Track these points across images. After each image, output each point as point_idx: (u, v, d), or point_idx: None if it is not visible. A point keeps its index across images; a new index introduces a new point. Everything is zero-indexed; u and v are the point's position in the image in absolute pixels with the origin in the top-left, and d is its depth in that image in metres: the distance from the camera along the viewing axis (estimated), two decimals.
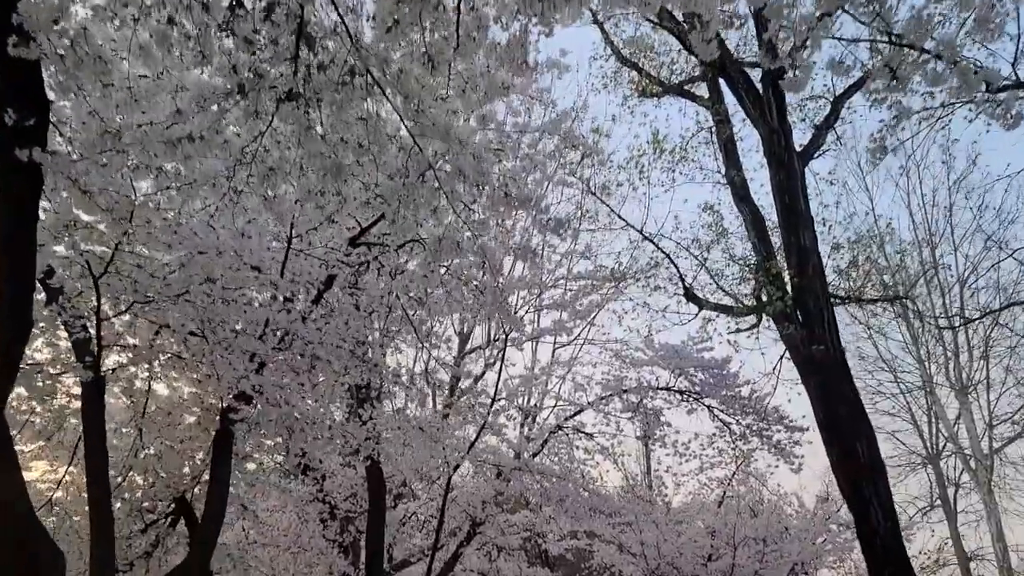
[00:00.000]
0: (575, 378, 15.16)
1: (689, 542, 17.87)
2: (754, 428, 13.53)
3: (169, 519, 8.39)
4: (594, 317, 12.67)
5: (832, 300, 9.09)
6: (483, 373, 12.08)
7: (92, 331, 5.55)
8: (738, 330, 10.36)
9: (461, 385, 13.18)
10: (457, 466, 12.00)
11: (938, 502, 24.09)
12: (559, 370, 12.75)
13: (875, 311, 16.31)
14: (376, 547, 9.73)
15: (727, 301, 10.12)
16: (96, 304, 5.34)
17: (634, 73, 10.47)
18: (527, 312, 10.51)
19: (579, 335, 17.12)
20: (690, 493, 19.37)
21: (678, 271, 9.65)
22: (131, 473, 7.69)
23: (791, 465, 13.15)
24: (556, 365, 12.82)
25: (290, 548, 10.49)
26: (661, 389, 13.56)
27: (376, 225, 6.77)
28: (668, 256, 9.74)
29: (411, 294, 6.82)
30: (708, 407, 13.69)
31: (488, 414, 11.37)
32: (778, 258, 9.44)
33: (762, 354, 13.37)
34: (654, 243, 9.62)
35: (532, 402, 14.71)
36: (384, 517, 10.07)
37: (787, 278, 9.19)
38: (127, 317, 5.86)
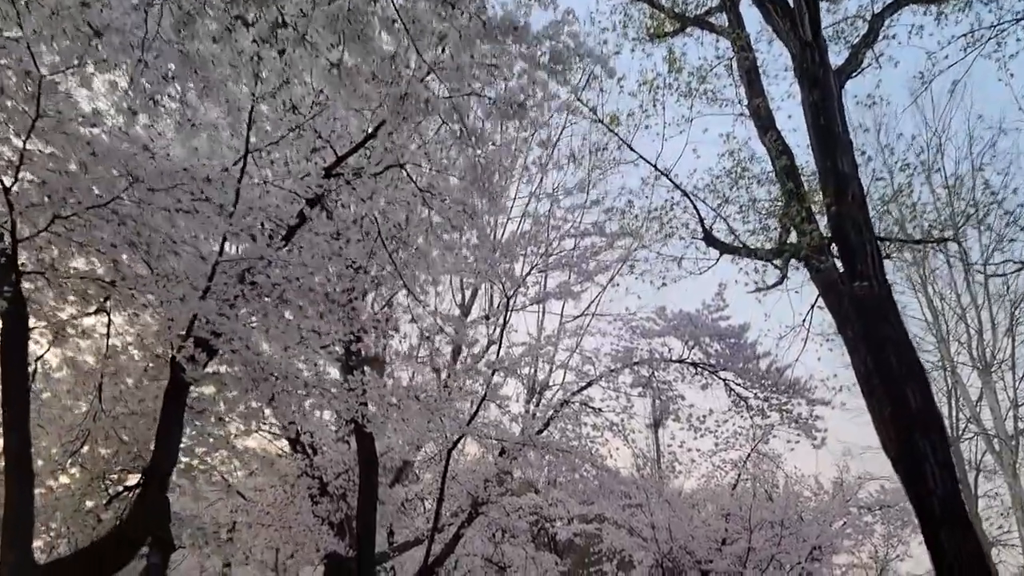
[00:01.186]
0: (582, 350, 14.31)
1: (702, 525, 16.97)
2: (773, 402, 12.59)
3: (138, 491, 7.56)
4: (611, 279, 11.66)
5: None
6: (488, 345, 11.18)
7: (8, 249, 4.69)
8: (758, 289, 9.41)
9: (463, 355, 12.30)
10: (457, 441, 11.14)
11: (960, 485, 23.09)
12: (566, 340, 11.85)
13: (912, 259, 14.85)
14: (367, 521, 8.88)
15: (751, 245, 9.10)
16: (10, 219, 4.49)
17: (644, 6, 9.50)
18: (530, 273, 9.61)
19: (587, 309, 16.25)
20: (703, 476, 18.42)
21: (696, 211, 8.69)
22: (89, 438, 6.87)
23: (813, 440, 12.20)
24: (563, 334, 11.93)
25: (272, 525, 9.64)
26: (674, 362, 12.64)
27: (354, 154, 5.91)
28: (685, 193, 8.77)
29: (390, 222, 5.95)
30: (724, 380, 12.76)
31: (489, 384, 10.48)
32: (809, 191, 8.43)
33: (791, 306, 11.95)
34: (669, 178, 8.67)
35: (537, 374, 13.84)
36: (376, 490, 9.22)
37: (819, 209, 8.19)
38: (50, 235, 4.98)
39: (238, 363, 5.83)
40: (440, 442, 11.48)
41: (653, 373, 12.74)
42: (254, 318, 5.75)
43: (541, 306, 14.07)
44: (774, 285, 9.10)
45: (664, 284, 10.03)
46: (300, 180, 5.71)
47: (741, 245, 8.92)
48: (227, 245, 5.88)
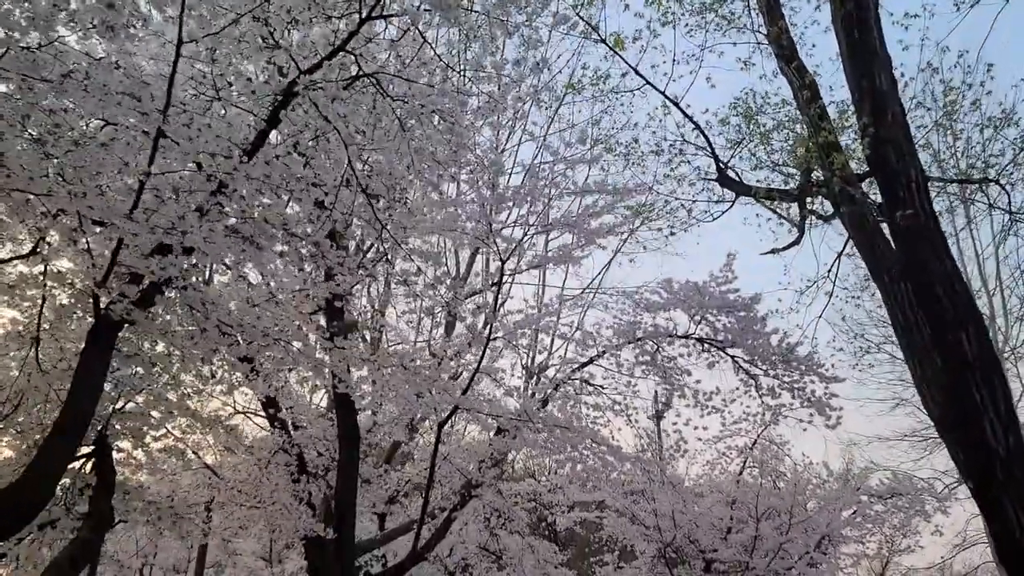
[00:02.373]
0: (582, 326, 13.42)
1: (707, 512, 16.10)
2: (784, 380, 11.70)
3: (87, 463, 6.71)
4: (619, 249, 10.72)
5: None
6: (484, 319, 10.19)
7: None
8: (774, 250, 8.51)
9: (460, 326, 11.41)
10: (449, 416, 10.26)
11: None
12: (566, 314, 10.94)
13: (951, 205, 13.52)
14: (347, 500, 8.03)
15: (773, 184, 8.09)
16: None
17: None
18: (527, 234, 8.72)
19: (591, 283, 15.33)
20: (708, 463, 17.55)
21: (710, 145, 7.73)
22: (24, 401, 6.00)
23: (827, 420, 11.32)
24: (564, 306, 11.02)
25: (246, 503, 8.76)
26: (679, 337, 11.74)
27: (319, 71, 5.04)
28: (697, 126, 7.80)
29: (357, 138, 5.06)
30: (732, 357, 11.87)
31: (483, 356, 9.60)
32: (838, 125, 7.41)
33: (818, 255, 10.70)
34: (680, 107, 7.70)
35: (537, 350, 12.94)
36: (357, 466, 8.36)
37: (851, 138, 7.24)
38: None
39: (183, 306, 4.96)
40: (432, 419, 10.59)
41: (658, 349, 11.88)
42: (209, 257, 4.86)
43: (541, 274, 13.18)
44: (791, 245, 8.19)
45: (673, 233, 9.11)
46: (254, 95, 4.84)
47: (758, 187, 7.95)
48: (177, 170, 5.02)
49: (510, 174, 9.05)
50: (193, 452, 8.27)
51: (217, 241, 4.52)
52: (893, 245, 6.77)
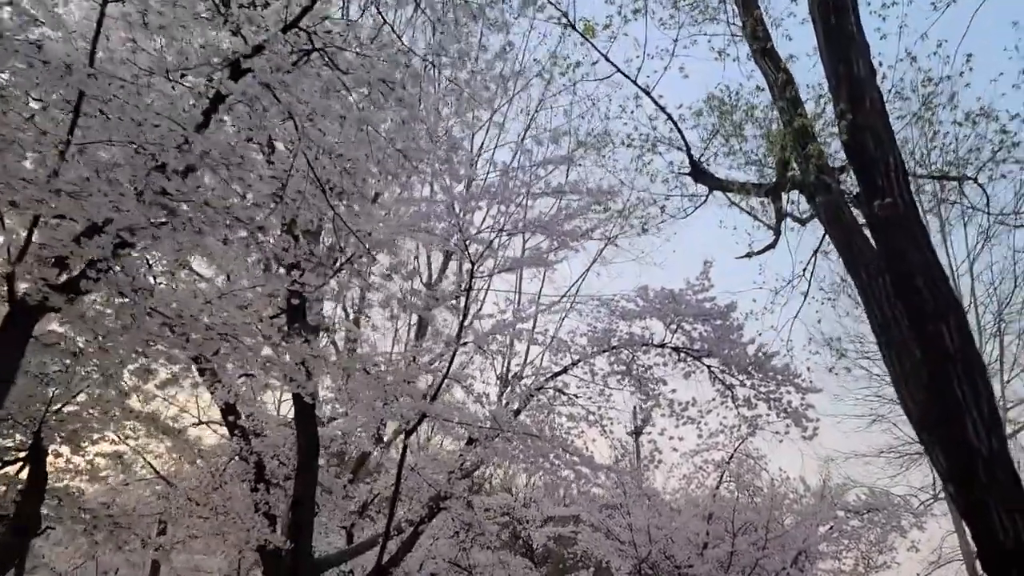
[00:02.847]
0: (556, 335, 13.11)
1: (683, 527, 15.76)
2: (761, 391, 11.43)
3: (20, 465, 6.26)
4: (596, 257, 10.43)
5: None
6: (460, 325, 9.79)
7: None
8: (749, 255, 8.25)
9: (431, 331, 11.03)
10: (416, 424, 9.85)
11: (942, 495, 21.94)
12: (542, 320, 10.59)
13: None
14: (305, 511, 7.62)
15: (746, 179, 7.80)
16: None
17: None
18: (499, 234, 8.40)
19: (568, 291, 15.01)
20: (684, 476, 17.24)
21: (683, 137, 7.47)
22: None
23: (803, 431, 11.06)
24: (539, 313, 10.68)
25: (196, 512, 8.30)
26: (655, 346, 11.46)
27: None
28: (670, 117, 7.54)
29: (305, 111, 4.72)
30: (708, 367, 11.59)
31: (451, 361, 9.24)
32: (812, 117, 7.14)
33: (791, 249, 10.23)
34: (651, 97, 7.42)
35: (511, 359, 12.59)
36: (316, 476, 7.96)
37: (826, 127, 6.98)
38: None
39: (113, 291, 4.57)
40: (402, 427, 10.20)
41: (633, 358, 11.58)
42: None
43: (517, 280, 12.85)
44: (767, 247, 7.94)
45: (645, 230, 8.81)
46: (198, 68, 4.50)
47: (731, 182, 7.68)
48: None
49: (485, 176, 8.73)
50: (143, 458, 7.83)
51: (153, 223, 4.17)
52: (871, 240, 6.54)
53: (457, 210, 8.02)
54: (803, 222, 7.79)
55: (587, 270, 14.12)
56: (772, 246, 7.89)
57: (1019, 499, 5.70)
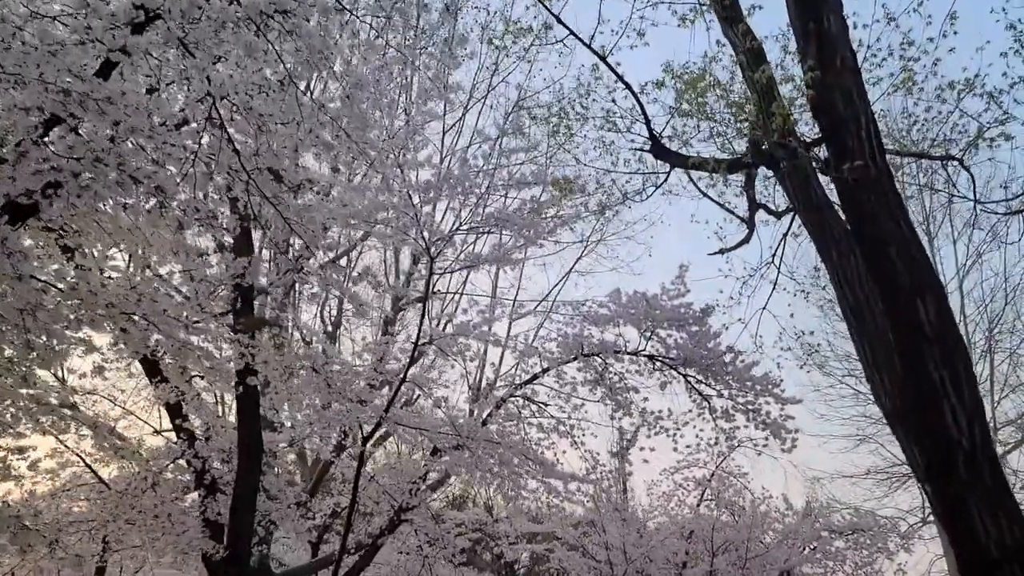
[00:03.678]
0: (531, 340, 12.65)
1: (660, 545, 15.19)
2: (739, 402, 10.93)
3: None
4: (572, 267, 9.97)
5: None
6: (420, 322, 9.20)
7: None
8: (722, 251, 7.80)
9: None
10: (373, 431, 9.32)
11: (931, 518, 21.38)
12: (516, 328, 10.12)
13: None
14: (243, 517, 7.08)
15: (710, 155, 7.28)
16: None
17: None
18: (458, 232, 7.94)
19: (541, 302, 14.53)
20: (664, 494, 16.67)
21: (643, 110, 6.97)
22: None
23: (782, 443, 10.56)
24: (510, 319, 10.23)
25: (124, 516, 7.71)
26: (628, 354, 10.97)
27: None
28: (629, 87, 7.04)
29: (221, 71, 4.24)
30: (684, 376, 11.10)
31: (410, 363, 8.74)
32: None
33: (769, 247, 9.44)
34: (609, 65, 6.89)
35: (484, 364, 12.09)
36: (257, 479, 7.42)
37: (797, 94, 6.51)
38: None
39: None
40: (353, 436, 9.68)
41: (606, 367, 11.08)
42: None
43: (492, 286, 12.35)
44: (740, 243, 7.49)
45: (604, 213, 8.34)
46: (103, 20, 4.06)
47: (693, 158, 7.18)
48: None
49: (446, 168, 8.19)
50: (81, 459, 7.32)
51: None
52: (842, 215, 6.07)
53: (415, 202, 7.57)
54: (778, 215, 7.34)
55: (565, 276, 13.72)
56: (746, 240, 7.44)
57: (1004, 499, 5.12)
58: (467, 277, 9.25)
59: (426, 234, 7.82)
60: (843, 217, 6.10)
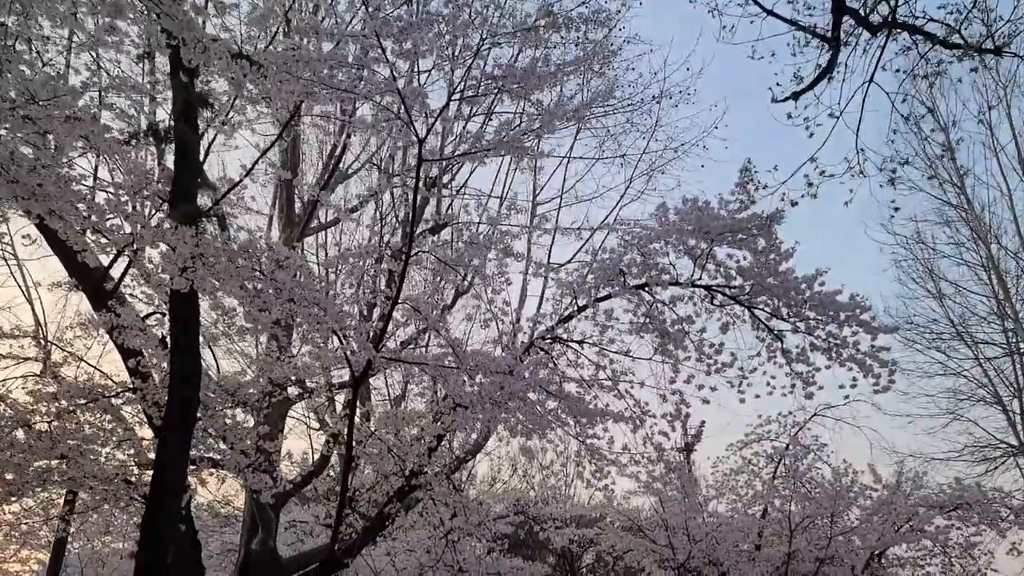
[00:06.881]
0: (558, 271, 10.78)
1: (726, 525, 13.01)
2: (820, 337, 8.77)
3: None
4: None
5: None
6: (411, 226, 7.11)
7: None
8: (795, 94, 5.71)
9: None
10: (365, 371, 7.52)
11: None
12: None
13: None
14: (172, 452, 5.38)
15: None
16: None
17: None
18: (453, 99, 6.11)
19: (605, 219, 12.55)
20: (732, 471, 14.52)
21: None
22: None
23: (875, 382, 8.40)
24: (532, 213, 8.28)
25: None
26: (679, 284, 8.93)
27: None
28: None
29: None
30: (750, 308, 9.01)
31: (402, 277, 6.90)
32: None
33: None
34: None
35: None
36: (193, 409, 5.69)
37: None
38: None
39: None
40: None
41: (654, 303, 9.08)
42: None
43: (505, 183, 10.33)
44: (820, 77, 5.39)
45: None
46: None
47: None
48: None
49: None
50: None
51: None
52: None
53: (388, 56, 5.75)
54: (873, 29, 5.20)
55: (624, 194, 11.65)
56: (828, 71, 5.33)
57: None
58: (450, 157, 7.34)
59: (412, 109, 6.00)
60: None
